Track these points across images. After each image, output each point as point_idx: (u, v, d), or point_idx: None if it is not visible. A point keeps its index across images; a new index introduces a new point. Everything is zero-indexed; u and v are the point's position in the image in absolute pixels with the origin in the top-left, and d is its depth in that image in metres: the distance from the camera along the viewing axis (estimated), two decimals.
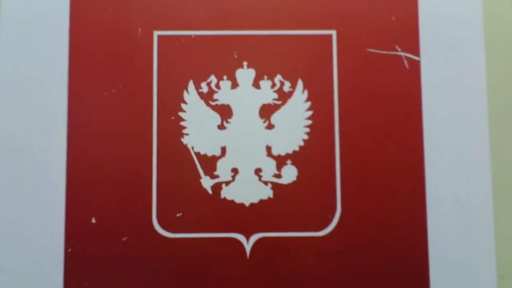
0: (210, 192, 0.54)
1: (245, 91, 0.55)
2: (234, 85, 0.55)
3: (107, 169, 0.53)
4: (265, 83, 0.55)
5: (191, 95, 0.55)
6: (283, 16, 0.55)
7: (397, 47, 0.55)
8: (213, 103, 0.55)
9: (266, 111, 0.55)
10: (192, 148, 0.54)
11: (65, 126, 0.54)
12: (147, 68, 0.55)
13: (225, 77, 0.55)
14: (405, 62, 0.55)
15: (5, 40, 0.55)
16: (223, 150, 0.54)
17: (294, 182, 0.54)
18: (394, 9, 0.55)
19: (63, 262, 0.52)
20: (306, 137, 0.54)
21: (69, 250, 0.52)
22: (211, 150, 0.54)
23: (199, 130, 0.54)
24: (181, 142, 0.54)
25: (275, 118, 0.55)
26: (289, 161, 0.54)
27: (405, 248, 0.53)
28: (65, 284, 0.52)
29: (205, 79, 0.55)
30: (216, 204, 0.53)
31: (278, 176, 0.54)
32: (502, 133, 0.54)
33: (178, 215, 0.53)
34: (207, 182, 0.54)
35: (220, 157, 0.54)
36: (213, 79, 0.55)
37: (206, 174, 0.54)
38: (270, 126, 0.55)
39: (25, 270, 0.52)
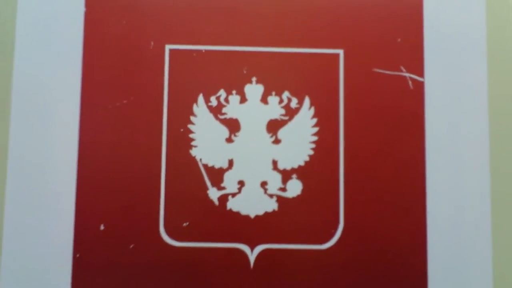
0: (216, 203, 0.55)
1: (253, 106, 0.56)
2: (243, 99, 0.56)
3: (116, 178, 0.54)
4: (273, 99, 0.56)
5: (200, 108, 0.56)
6: (292, 34, 0.56)
7: (402, 68, 0.56)
8: (221, 117, 0.56)
9: (273, 126, 0.56)
10: (200, 160, 0.55)
11: (77, 135, 0.55)
12: (158, 80, 0.55)
13: (234, 92, 0.56)
14: (410, 82, 0.56)
15: (19, 52, 0.56)
16: (230, 162, 0.55)
17: (298, 196, 0.55)
18: (400, 31, 0.56)
19: (72, 267, 0.53)
20: (311, 152, 0.55)
21: (78, 255, 0.53)
22: (219, 162, 0.55)
23: (207, 142, 0.55)
24: (190, 154, 0.55)
25: (282, 133, 0.56)
26: (294, 175, 0.55)
27: (405, 262, 0.54)
28: None
29: (214, 93, 0.56)
30: (222, 215, 0.54)
31: (283, 189, 0.55)
32: (503, 155, 0.55)
33: (184, 224, 0.54)
34: (214, 193, 0.55)
35: (227, 169, 0.55)
36: (222, 93, 0.56)
37: (213, 185, 0.55)
38: (276, 141, 0.55)
39: (34, 275, 0.53)
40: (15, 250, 0.53)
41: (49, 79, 0.55)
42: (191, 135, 0.55)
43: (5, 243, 0.53)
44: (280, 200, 0.55)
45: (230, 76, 0.56)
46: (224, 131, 0.56)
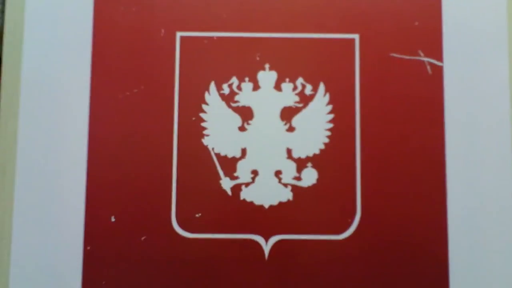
0: (229, 193, 0.54)
1: (267, 93, 0.55)
2: (256, 87, 0.55)
3: (127, 168, 0.54)
4: (286, 86, 0.55)
5: (212, 96, 0.55)
6: (306, 19, 0.55)
7: (420, 52, 0.55)
8: (234, 105, 0.55)
9: (287, 114, 0.55)
10: (213, 149, 0.54)
11: (87, 125, 0.54)
12: (169, 68, 0.55)
13: (246, 79, 0.55)
14: (428, 67, 0.55)
15: (28, 40, 0.55)
16: (243, 151, 0.54)
17: (314, 185, 0.54)
18: (418, 14, 0.55)
19: (82, 260, 0.53)
20: (326, 140, 0.54)
21: (88, 248, 0.53)
22: (232, 151, 0.54)
23: (219, 131, 0.54)
24: (202, 143, 0.54)
25: (296, 120, 0.55)
26: (309, 164, 0.54)
27: (425, 252, 0.53)
28: (84, 281, 0.52)
29: (226, 80, 0.55)
30: (235, 205, 0.54)
31: (298, 178, 0.54)
32: None
33: (197, 215, 0.53)
34: (226, 183, 0.54)
35: (240, 158, 0.54)
36: (234, 80, 0.55)
37: (226, 175, 0.54)
38: (291, 129, 0.55)
39: (45, 267, 0.52)
40: (25, 243, 0.53)
41: (58, 69, 0.55)
42: (203, 124, 0.55)
43: (16, 236, 0.53)
44: (295, 189, 0.54)
45: (243, 63, 0.55)
46: (237, 120, 0.55)
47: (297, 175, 0.54)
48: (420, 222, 0.53)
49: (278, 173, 0.54)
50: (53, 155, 0.54)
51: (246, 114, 0.55)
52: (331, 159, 0.54)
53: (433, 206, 0.53)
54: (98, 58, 0.55)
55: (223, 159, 0.54)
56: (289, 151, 0.54)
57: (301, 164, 0.54)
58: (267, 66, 0.55)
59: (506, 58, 0.55)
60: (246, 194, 0.54)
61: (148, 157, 0.54)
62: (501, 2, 0.55)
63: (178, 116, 0.54)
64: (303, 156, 0.54)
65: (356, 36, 0.55)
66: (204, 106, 0.55)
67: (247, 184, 0.54)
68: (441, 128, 0.54)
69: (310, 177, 0.54)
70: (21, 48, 0.55)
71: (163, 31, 0.55)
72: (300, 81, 0.55)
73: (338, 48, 0.55)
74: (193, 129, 0.54)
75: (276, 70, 0.55)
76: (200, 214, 0.53)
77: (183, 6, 0.56)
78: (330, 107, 0.55)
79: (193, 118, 0.54)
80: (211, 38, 0.55)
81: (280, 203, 0.54)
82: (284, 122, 0.55)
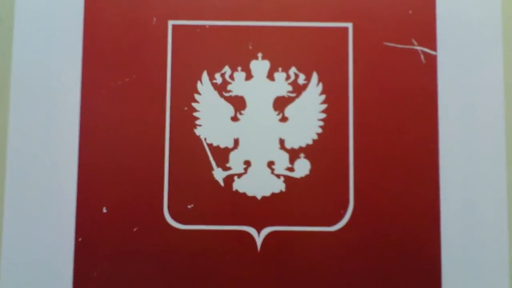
0: (222, 184, 0.53)
1: (259, 83, 0.54)
2: (248, 76, 0.55)
3: (119, 159, 0.53)
4: (279, 75, 0.54)
5: (204, 86, 0.54)
6: (299, 7, 0.55)
7: (414, 41, 0.54)
8: (226, 94, 0.54)
9: (280, 104, 0.54)
10: (205, 139, 0.54)
11: (78, 115, 0.54)
12: (161, 57, 0.54)
13: (239, 68, 0.55)
14: (422, 56, 0.54)
15: (19, 29, 0.55)
16: (236, 142, 0.54)
17: (306, 176, 0.53)
18: (411, 3, 0.55)
19: (74, 251, 0.52)
20: (320, 130, 0.54)
21: (80, 239, 0.52)
22: (224, 141, 0.54)
23: (212, 121, 0.54)
24: (194, 133, 0.54)
25: (289, 110, 0.54)
26: (302, 155, 0.54)
27: (417, 244, 0.52)
28: (75, 273, 0.52)
29: (219, 70, 0.54)
30: (228, 196, 0.53)
31: (290, 169, 0.53)
32: None
33: (189, 206, 0.53)
34: (219, 174, 0.53)
35: (232, 149, 0.54)
36: (227, 70, 0.55)
37: (218, 166, 0.53)
38: (283, 119, 0.54)
39: (36, 259, 0.52)
40: (16, 234, 0.52)
41: (49, 59, 0.54)
42: (195, 114, 0.54)
43: (6, 227, 0.52)
44: (288, 180, 0.53)
45: (235, 52, 0.55)
46: (230, 109, 0.54)
47: (289, 166, 0.53)
48: (412, 214, 0.53)
49: (270, 164, 0.54)
50: (44, 146, 0.53)
51: (238, 104, 0.54)
52: (324, 150, 0.54)
53: (426, 197, 0.53)
54: (89, 47, 0.54)
55: (216, 150, 0.54)
56: (281, 142, 0.54)
57: (294, 154, 0.54)
58: (259, 55, 0.55)
59: (499, 47, 0.54)
60: (238, 185, 0.53)
61: (140, 147, 0.53)
62: None
63: (170, 105, 0.54)
64: (296, 146, 0.54)
65: (349, 25, 0.55)
66: (196, 96, 0.54)
67: (239, 175, 0.53)
68: (435, 118, 0.54)
69: (303, 168, 0.53)
70: (11, 36, 0.54)
71: (154, 19, 0.55)
72: (293, 70, 0.54)
73: (332, 37, 0.55)
74: (185, 119, 0.54)
75: (269, 59, 0.55)
76: (192, 205, 0.53)
77: None
78: (323, 97, 0.54)
79: (185, 108, 0.54)
80: (203, 26, 0.55)
81: (273, 194, 0.53)
82: (277, 112, 0.54)
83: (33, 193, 0.53)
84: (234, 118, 0.54)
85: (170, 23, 0.55)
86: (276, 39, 0.55)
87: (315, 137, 0.54)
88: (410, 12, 0.55)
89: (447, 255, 0.52)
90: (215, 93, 0.54)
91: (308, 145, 0.54)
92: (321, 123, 0.54)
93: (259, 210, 0.53)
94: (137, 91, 0.54)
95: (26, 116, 0.53)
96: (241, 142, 0.54)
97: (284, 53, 0.54)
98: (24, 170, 0.53)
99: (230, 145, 0.54)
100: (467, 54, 0.54)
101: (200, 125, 0.54)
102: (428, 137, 0.53)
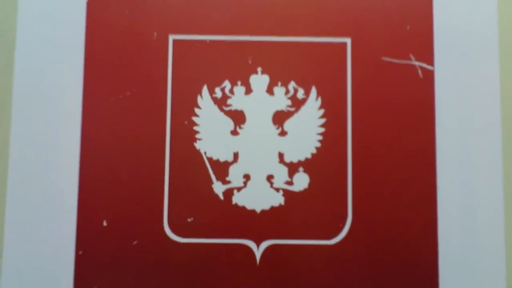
0: (221, 197, 0.54)
1: (259, 97, 0.55)
2: (248, 90, 0.55)
3: (119, 172, 0.53)
4: (279, 90, 0.55)
5: (204, 100, 0.55)
6: (298, 22, 0.55)
7: (412, 56, 0.55)
8: (226, 109, 0.55)
9: (279, 118, 0.55)
10: (205, 153, 0.54)
11: (79, 128, 0.54)
12: (162, 71, 0.55)
13: (239, 83, 0.55)
14: (419, 71, 0.55)
15: (21, 43, 0.55)
16: (236, 155, 0.54)
17: (305, 190, 0.54)
18: (409, 18, 0.55)
19: (74, 264, 0.52)
20: (318, 144, 0.54)
21: (80, 252, 0.52)
22: (224, 155, 0.54)
23: (212, 135, 0.54)
24: (194, 147, 0.54)
25: (288, 125, 0.55)
26: (301, 169, 0.54)
27: (415, 257, 0.53)
28: (76, 286, 0.52)
29: (219, 84, 0.55)
30: (227, 210, 0.53)
31: (290, 183, 0.54)
32: None
33: (189, 220, 0.53)
34: (218, 188, 0.54)
35: (232, 162, 0.54)
36: (227, 84, 0.55)
37: (218, 179, 0.54)
38: (283, 133, 0.54)
39: (36, 272, 0.52)
40: (17, 247, 0.52)
41: (51, 71, 0.55)
42: (195, 128, 0.54)
43: (7, 240, 0.52)
44: (287, 194, 0.54)
45: (235, 67, 0.55)
46: (229, 123, 0.55)
47: (289, 179, 0.54)
48: (410, 227, 0.53)
49: (270, 178, 0.54)
50: (45, 159, 0.53)
51: (238, 118, 0.55)
52: (323, 164, 0.54)
53: (424, 211, 0.53)
54: (91, 60, 0.55)
55: (215, 163, 0.54)
56: (281, 156, 0.54)
57: (293, 168, 0.54)
58: (259, 69, 0.55)
59: (496, 62, 0.55)
60: (238, 199, 0.54)
61: (140, 161, 0.54)
62: (491, 7, 0.55)
63: (171, 119, 0.54)
64: (295, 160, 0.54)
65: (348, 40, 0.55)
66: (196, 110, 0.55)
67: (239, 189, 0.54)
68: (432, 132, 0.54)
69: (302, 181, 0.54)
70: (13, 51, 0.55)
71: (155, 34, 0.55)
72: (292, 85, 0.55)
73: (330, 51, 0.55)
74: (186, 133, 0.54)
75: (268, 73, 0.55)
76: (192, 219, 0.53)
77: (176, 9, 0.55)
78: (322, 111, 0.55)
79: (186, 122, 0.54)
80: (203, 41, 0.55)
81: (272, 208, 0.53)
82: (276, 126, 0.55)
83: (34, 206, 0.53)
84: (234, 132, 0.55)
85: (171, 37, 0.55)
86: (276, 53, 0.55)
87: (314, 151, 0.54)
88: (408, 27, 0.55)
89: (445, 267, 0.52)
90: (215, 107, 0.55)
91: (307, 159, 0.54)
92: (320, 137, 0.54)
93: (259, 223, 0.53)
94: (138, 105, 0.54)
95: (27, 130, 0.54)
96: (240, 156, 0.54)
97: (283, 67, 0.55)
98: (25, 183, 0.53)
99: (230, 158, 0.54)
100: (464, 69, 0.55)
101: (200, 139, 0.54)
102: (426, 151, 0.54)
